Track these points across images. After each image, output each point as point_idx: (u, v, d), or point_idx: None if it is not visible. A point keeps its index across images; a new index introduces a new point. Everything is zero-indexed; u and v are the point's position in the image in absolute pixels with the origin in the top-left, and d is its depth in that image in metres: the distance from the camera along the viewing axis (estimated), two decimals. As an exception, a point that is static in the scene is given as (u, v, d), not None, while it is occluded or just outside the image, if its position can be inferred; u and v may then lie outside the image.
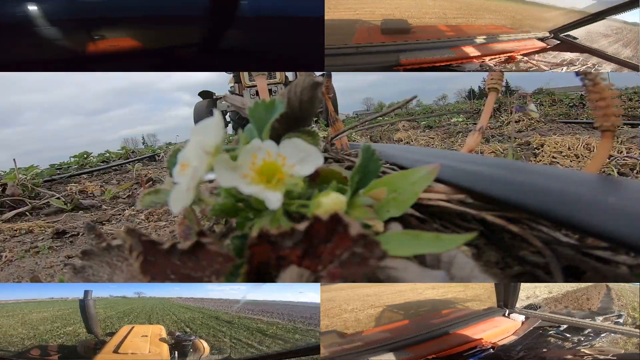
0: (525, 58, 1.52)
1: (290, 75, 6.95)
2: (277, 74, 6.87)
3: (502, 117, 5.44)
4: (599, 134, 0.58)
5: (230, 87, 7.34)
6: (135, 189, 3.05)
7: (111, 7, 1.24)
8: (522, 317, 0.93)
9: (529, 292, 0.99)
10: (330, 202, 0.38)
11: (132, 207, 2.51)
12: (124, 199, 2.80)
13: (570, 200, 0.35)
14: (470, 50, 1.42)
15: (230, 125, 7.89)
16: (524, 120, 4.91)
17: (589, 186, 0.38)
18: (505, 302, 0.97)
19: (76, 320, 0.81)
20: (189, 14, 1.29)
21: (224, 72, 7.50)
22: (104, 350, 0.71)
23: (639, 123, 4.07)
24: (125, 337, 0.74)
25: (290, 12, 1.24)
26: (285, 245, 0.34)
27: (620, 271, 0.40)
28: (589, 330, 0.83)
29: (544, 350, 0.79)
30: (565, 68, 1.49)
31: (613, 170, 2.28)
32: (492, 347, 0.76)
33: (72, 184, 3.17)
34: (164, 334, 0.75)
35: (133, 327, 0.78)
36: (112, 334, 0.76)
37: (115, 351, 0.69)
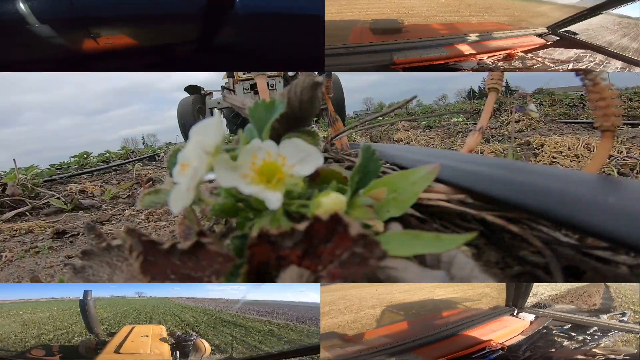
0: (530, 55, 1.49)
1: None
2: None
3: (502, 117, 5.44)
4: (599, 134, 0.58)
5: (225, 82, 7.11)
6: (135, 189, 3.05)
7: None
8: (531, 317, 0.92)
9: (534, 289, 0.99)
10: (330, 202, 0.38)
11: (132, 207, 2.51)
12: (124, 199, 2.80)
13: (570, 200, 0.35)
14: (465, 48, 1.41)
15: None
16: (524, 120, 4.92)
17: (589, 186, 0.38)
18: (515, 301, 0.96)
19: (77, 320, 0.81)
20: (185, 12, 1.29)
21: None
22: (105, 351, 0.71)
23: (639, 123, 4.07)
24: (126, 337, 0.74)
25: (289, 11, 1.24)
26: (285, 245, 0.34)
27: (620, 271, 0.40)
28: (595, 328, 0.83)
29: (551, 350, 0.79)
30: (571, 65, 1.47)
31: (613, 170, 2.28)
32: (502, 348, 0.76)
33: (72, 184, 3.17)
34: (165, 334, 0.75)
35: (134, 327, 0.78)
36: (113, 334, 0.76)
37: (117, 351, 0.69)
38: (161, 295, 0.90)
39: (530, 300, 0.98)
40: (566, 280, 0.39)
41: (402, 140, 4.55)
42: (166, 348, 0.72)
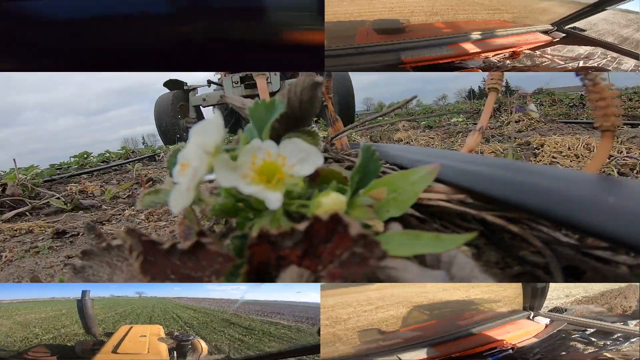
0: (539, 53, 1.48)
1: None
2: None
3: (502, 117, 5.45)
4: (599, 134, 0.58)
5: (218, 78, 6.59)
6: (135, 189, 3.05)
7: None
8: (547, 320, 0.92)
9: (566, 291, 0.98)
10: (330, 202, 0.38)
11: (132, 207, 2.51)
12: (124, 199, 2.80)
13: (570, 200, 0.35)
14: (470, 47, 1.41)
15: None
16: (524, 120, 4.92)
17: (589, 186, 0.38)
18: (531, 304, 0.96)
19: (75, 321, 0.81)
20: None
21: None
22: (102, 351, 0.71)
23: (639, 123, 4.07)
24: (124, 337, 0.74)
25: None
26: (285, 245, 0.34)
27: (620, 271, 0.40)
28: (618, 334, 0.82)
29: (562, 353, 0.79)
30: (582, 62, 1.45)
31: (613, 170, 2.28)
32: (512, 348, 0.77)
33: (72, 184, 3.17)
34: (163, 334, 0.75)
35: (132, 327, 0.77)
36: (110, 334, 0.76)
37: (114, 351, 0.69)
38: (161, 295, 0.90)
39: (561, 302, 0.97)
40: (566, 281, 0.39)
41: (402, 140, 4.55)
42: (164, 348, 0.72)
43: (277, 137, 0.40)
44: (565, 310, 0.96)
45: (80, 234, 2.05)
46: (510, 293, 0.97)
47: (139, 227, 1.97)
